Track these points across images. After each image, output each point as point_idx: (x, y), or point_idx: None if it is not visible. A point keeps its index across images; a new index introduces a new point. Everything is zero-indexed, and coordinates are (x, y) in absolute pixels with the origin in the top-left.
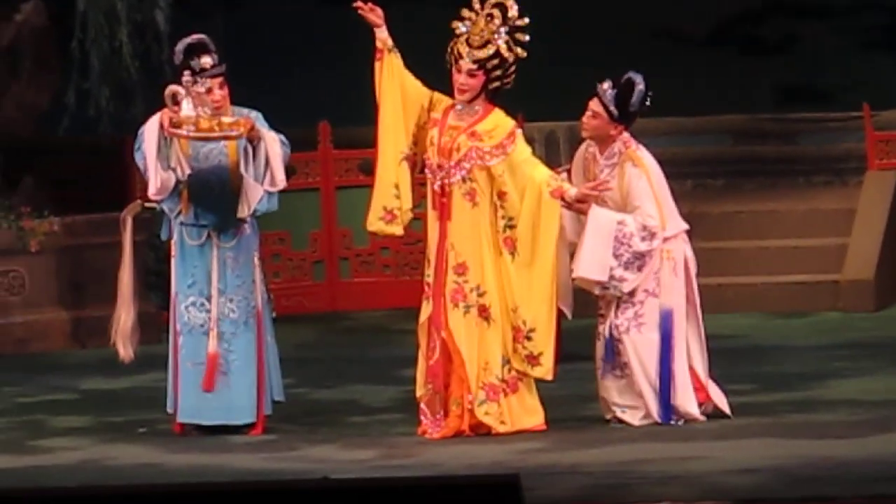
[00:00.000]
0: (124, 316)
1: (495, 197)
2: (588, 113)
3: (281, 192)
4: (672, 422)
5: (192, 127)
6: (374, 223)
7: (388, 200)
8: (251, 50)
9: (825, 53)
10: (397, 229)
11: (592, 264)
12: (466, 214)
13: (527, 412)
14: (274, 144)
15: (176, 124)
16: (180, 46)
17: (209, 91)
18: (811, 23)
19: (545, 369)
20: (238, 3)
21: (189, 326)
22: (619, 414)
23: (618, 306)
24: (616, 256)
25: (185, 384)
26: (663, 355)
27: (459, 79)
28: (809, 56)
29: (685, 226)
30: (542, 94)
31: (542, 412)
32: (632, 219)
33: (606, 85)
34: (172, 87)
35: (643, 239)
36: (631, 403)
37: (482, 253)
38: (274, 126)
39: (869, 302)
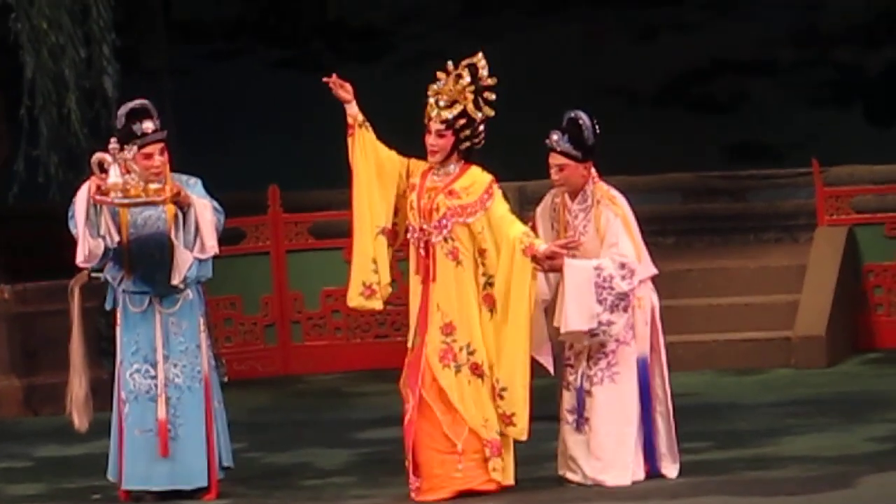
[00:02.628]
0: (77, 386)
1: (476, 254)
2: (554, 169)
3: (231, 256)
4: (661, 472)
5: (120, 193)
6: (355, 298)
7: (367, 276)
8: (201, 114)
9: (773, 110)
10: (377, 304)
11: (579, 316)
12: (451, 274)
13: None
14: (205, 211)
15: (104, 191)
16: (122, 111)
17: (149, 157)
18: (759, 80)
19: (519, 429)
20: (187, 68)
21: (135, 394)
22: (587, 472)
23: (589, 357)
24: (600, 302)
25: (133, 451)
26: (644, 405)
27: (429, 139)
28: (758, 113)
29: (654, 270)
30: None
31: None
32: (608, 261)
33: (556, 136)
34: (99, 155)
35: (623, 278)
36: (595, 461)
37: (470, 311)
38: (217, 191)
39: (821, 358)
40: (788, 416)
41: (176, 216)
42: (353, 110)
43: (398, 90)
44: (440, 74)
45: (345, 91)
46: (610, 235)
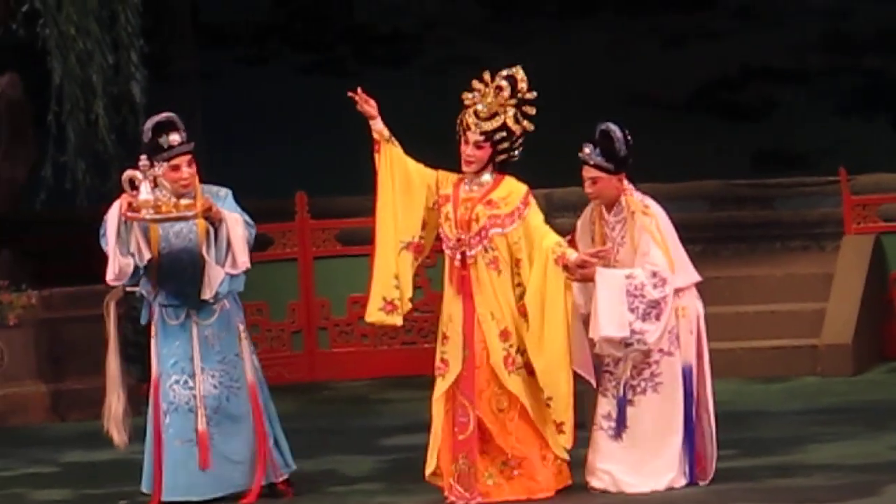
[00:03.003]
0: (115, 402)
1: (513, 264)
2: (587, 182)
3: (258, 262)
4: (700, 482)
5: (151, 210)
6: (374, 314)
7: (388, 291)
8: (229, 119)
9: (801, 118)
10: (398, 320)
11: (611, 323)
12: (494, 283)
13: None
14: (236, 226)
15: (135, 209)
16: (149, 124)
17: (176, 168)
18: (787, 88)
19: (567, 437)
20: (215, 73)
21: (175, 405)
22: (623, 481)
23: (634, 366)
24: (632, 310)
25: (174, 462)
26: (688, 414)
27: (466, 150)
28: (786, 121)
29: (697, 277)
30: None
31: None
32: (639, 270)
33: (588, 149)
34: (129, 172)
35: (655, 286)
36: (633, 471)
37: (515, 316)
38: (244, 197)
39: (847, 366)
40: (814, 423)
41: (207, 231)
42: (378, 126)
43: (426, 95)
44: (477, 84)
45: (370, 106)
46: (642, 245)
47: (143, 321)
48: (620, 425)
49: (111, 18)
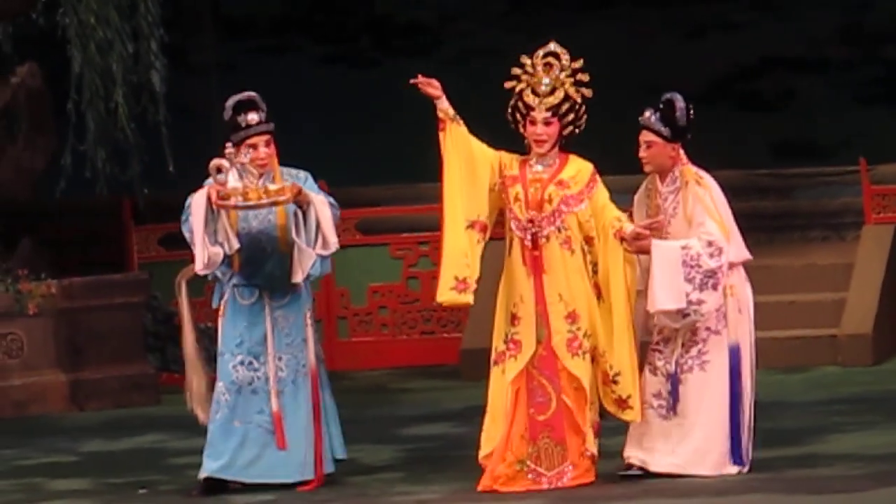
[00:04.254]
0: (196, 380)
1: (584, 242)
2: (642, 146)
3: None
4: (743, 465)
5: (240, 198)
6: (446, 293)
7: (460, 270)
8: None
9: (821, 108)
10: (469, 298)
11: (668, 295)
12: (567, 263)
13: None
14: (323, 208)
15: (224, 196)
16: (230, 102)
17: (255, 147)
18: (807, 78)
19: (634, 412)
20: (234, 63)
21: (237, 385)
22: (667, 461)
23: (682, 344)
24: (688, 280)
25: (227, 442)
26: (733, 394)
27: (536, 130)
28: (806, 111)
29: (748, 255)
30: None
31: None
32: (695, 240)
33: (648, 112)
34: (216, 161)
35: (711, 255)
36: (680, 451)
37: (587, 297)
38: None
39: (867, 356)
40: (834, 414)
41: (296, 214)
42: (443, 105)
43: (445, 87)
44: (517, 70)
45: (433, 87)
46: (697, 215)
47: (213, 305)
48: (672, 403)
49: (131, 8)
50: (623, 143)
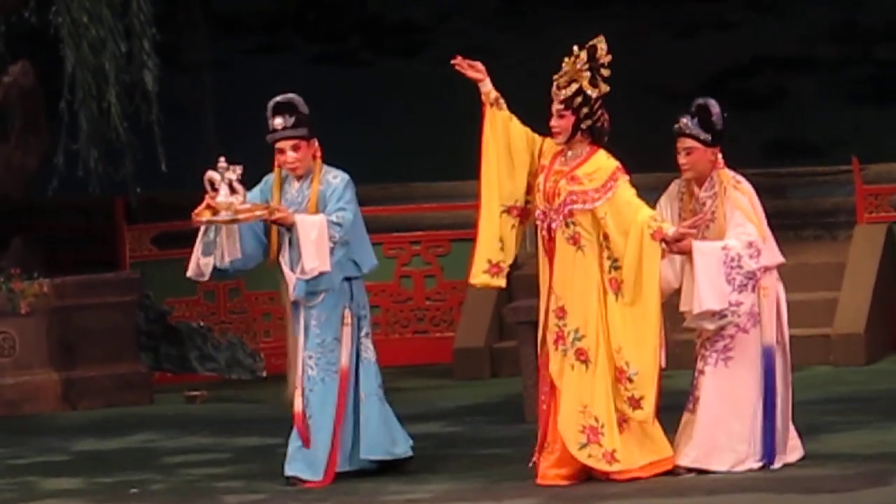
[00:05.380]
0: (292, 373)
1: (601, 238)
2: (681, 153)
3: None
4: (775, 465)
5: (230, 213)
6: (479, 276)
7: (493, 254)
8: (241, 108)
9: (814, 107)
10: (502, 282)
11: (713, 296)
12: (570, 258)
13: (641, 449)
14: (310, 231)
15: (215, 210)
16: (270, 104)
17: (281, 152)
18: (799, 77)
19: (645, 413)
20: (227, 63)
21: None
22: (685, 455)
23: (708, 338)
24: (729, 282)
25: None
26: (768, 396)
27: (551, 122)
28: (798, 110)
29: (782, 259)
30: None
31: (662, 447)
32: (734, 241)
33: (685, 119)
34: (209, 174)
35: (751, 257)
36: (694, 445)
37: (587, 296)
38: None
39: (860, 356)
40: (827, 413)
41: (280, 233)
42: (486, 88)
43: (438, 86)
44: (566, 59)
45: (475, 70)
46: (736, 217)
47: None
48: (692, 395)
49: (124, 6)
50: (616, 140)
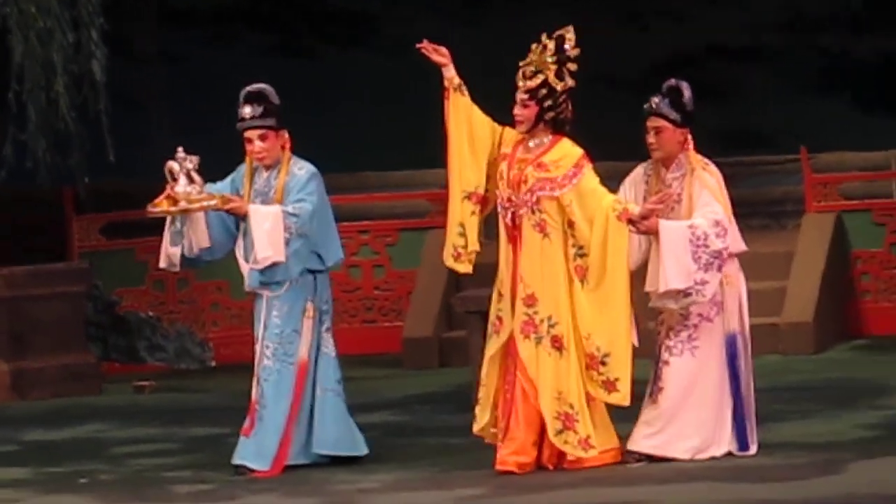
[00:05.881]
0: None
1: (566, 226)
2: (650, 133)
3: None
4: (748, 450)
5: (183, 203)
6: (448, 259)
7: (455, 239)
8: (191, 99)
9: (762, 97)
10: (466, 268)
11: (677, 275)
12: (536, 246)
13: (608, 435)
14: (263, 221)
15: (174, 199)
16: (242, 92)
17: (249, 141)
18: (748, 67)
19: (622, 395)
20: (177, 55)
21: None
22: (651, 443)
23: (670, 327)
24: (695, 260)
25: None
26: (734, 380)
27: (515, 110)
28: (746, 100)
29: (744, 246)
30: None
31: (612, 435)
32: (701, 219)
33: (656, 99)
34: (169, 164)
35: (718, 235)
36: (660, 433)
37: (556, 283)
38: (204, 176)
39: (808, 345)
40: (776, 402)
41: (237, 224)
42: (449, 73)
43: (385, 74)
44: (533, 47)
45: (440, 55)
46: (703, 197)
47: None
48: (655, 385)
49: None
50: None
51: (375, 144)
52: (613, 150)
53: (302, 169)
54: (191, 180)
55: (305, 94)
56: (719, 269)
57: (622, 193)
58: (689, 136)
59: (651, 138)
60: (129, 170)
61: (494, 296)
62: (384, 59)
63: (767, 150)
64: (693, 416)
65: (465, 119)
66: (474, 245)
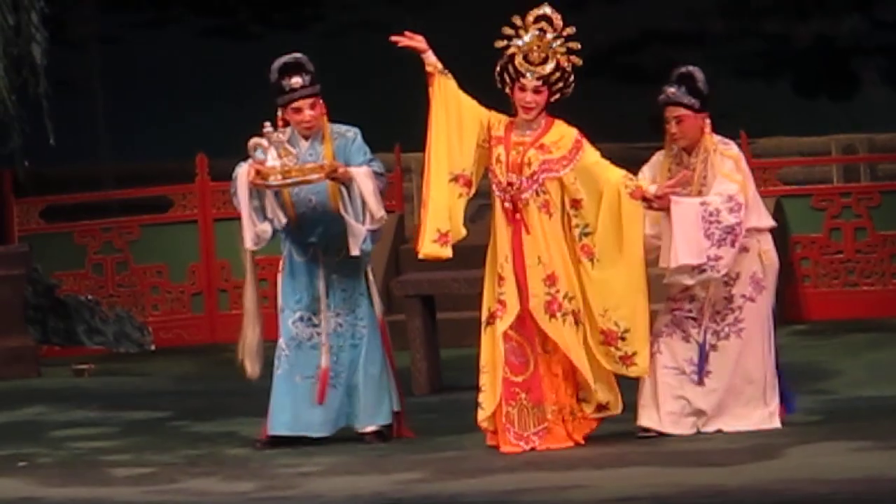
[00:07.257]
0: (250, 333)
1: (568, 206)
2: (671, 123)
3: (158, 224)
4: (794, 411)
5: (279, 176)
6: (428, 246)
7: (442, 223)
8: (130, 82)
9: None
10: (449, 252)
11: (689, 251)
12: (545, 226)
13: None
14: (366, 181)
15: (263, 175)
16: (275, 66)
17: (298, 111)
18: (687, 51)
19: (641, 368)
20: (116, 37)
21: (297, 341)
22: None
23: (717, 312)
24: (708, 236)
25: (291, 397)
26: (775, 351)
27: (525, 97)
28: None
29: (772, 222)
30: (414, 122)
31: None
32: (714, 196)
33: (672, 88)
34: (255, 140)
35: (731, 210)
36: (720, 412)
37: (566, 260)
38: (144, 159)
39: None
40: None
41: (341, 190)
42: (431, 59)
43: (327, 59)
44: (508, 30)
45: (417, 42)
46: (718, 180)
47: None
48: (702, 370)
49: None
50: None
51: None
52: None
53: (349, 131)
54: (280, 154)
55: (243, 77)
56: (733, 244)
57: (642, 179)
58: (708, 120)
59: (673, 128)
60: (67, 153)
61: (490, 280)
62: (325, 44)
63: None
64: (741, 395)
65: (453, 102)
66: (460, 230)
